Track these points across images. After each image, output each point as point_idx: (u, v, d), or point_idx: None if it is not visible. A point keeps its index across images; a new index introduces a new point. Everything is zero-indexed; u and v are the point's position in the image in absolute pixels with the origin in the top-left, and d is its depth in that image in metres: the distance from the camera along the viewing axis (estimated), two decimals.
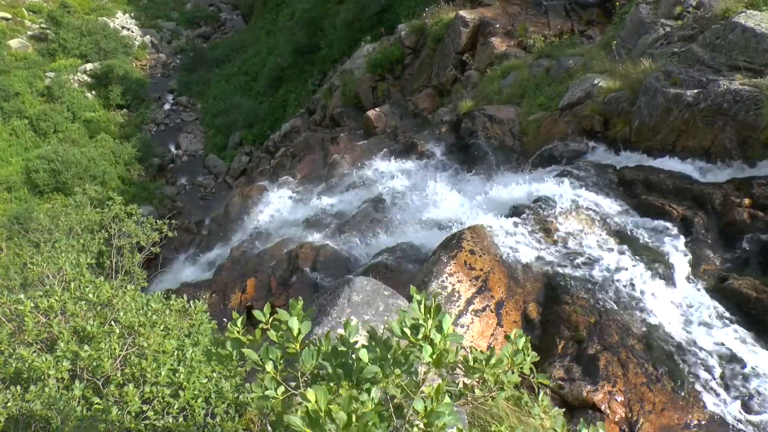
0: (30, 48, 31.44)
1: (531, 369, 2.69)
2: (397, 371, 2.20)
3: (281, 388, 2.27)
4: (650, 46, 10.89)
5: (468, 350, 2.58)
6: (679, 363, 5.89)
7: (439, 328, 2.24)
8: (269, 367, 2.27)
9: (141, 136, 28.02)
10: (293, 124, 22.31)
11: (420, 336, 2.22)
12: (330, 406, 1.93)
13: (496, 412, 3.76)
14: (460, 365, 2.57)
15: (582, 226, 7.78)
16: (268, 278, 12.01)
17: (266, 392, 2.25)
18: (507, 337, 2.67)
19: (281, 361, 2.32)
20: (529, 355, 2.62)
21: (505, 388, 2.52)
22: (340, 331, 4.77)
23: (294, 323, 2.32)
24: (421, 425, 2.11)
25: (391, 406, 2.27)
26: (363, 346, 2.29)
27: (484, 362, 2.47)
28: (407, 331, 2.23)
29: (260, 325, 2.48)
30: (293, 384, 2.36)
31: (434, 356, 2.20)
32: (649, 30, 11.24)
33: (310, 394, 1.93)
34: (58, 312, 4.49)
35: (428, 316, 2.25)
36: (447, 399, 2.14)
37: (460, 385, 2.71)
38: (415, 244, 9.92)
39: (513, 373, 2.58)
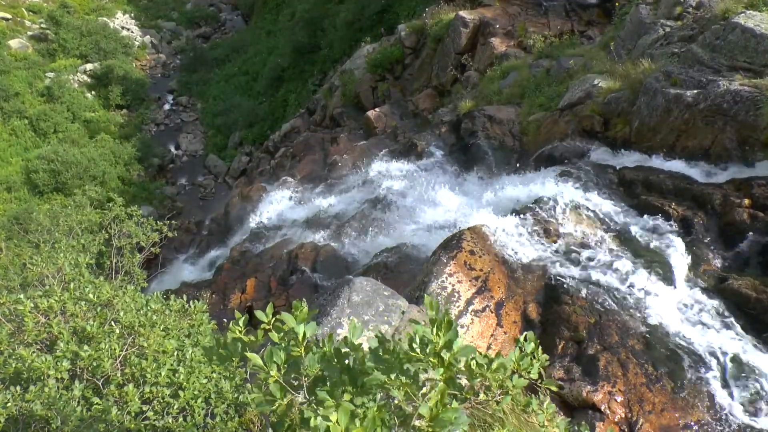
0: (30, 48, 31.44)
1: (540, 374, 2.66)
2: (404, 379, 2.19)
3: (287, 396, 2.26)
4: (650, 46, 10.89)
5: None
6: (679, 363, 5.89)
7: (449, 347, 2.22)
8: (273, 371, 2.26)
9: (141, 136, 28.01)
10: (293, 124, 22.31)
11: (428, 351, 2.21)
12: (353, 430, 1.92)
13: (497, 413, 3.75)
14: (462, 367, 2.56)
15: (582, 226, 7.78)
16: (268, 278, 12.01)
17: (269, 398, 2.23)
18: (516, 341, 2.65)
19: (284, 365, 2.31)
20: (539, 360, 2.60)
21: (510, 392, 2.50)
22: (340, 330, 4.77)
23: (300, 329, 2.31)
24: (425, 428, 2.10)
25: (393, 408, 2.27)
26: (370, 350, 2.27)
27: (485, 366, 2.45)
28: (416, 347, 2.21)
29: (262, 326, 2.47)
30: (294, 384, 2.35)
31: (444, 375, 2.19)
32: (649, 30, 11.24)
33: (333, 416, 1.93)
34: (57, 312, 4.49)
35: (439, 334, 2.23)
36: (454, 403, 2.13)
37: (464, 382, 2.70)
38: (415, 244, 9.92)
39: (520, 377, 2.55)
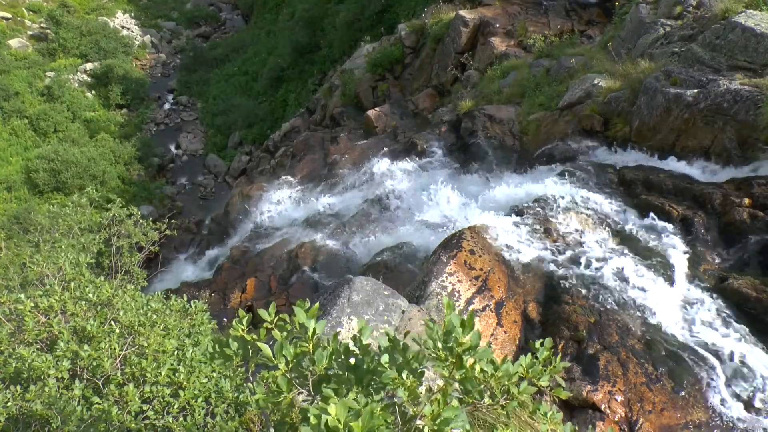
0: (30, 47, 31.43)
1: (554, 379, 2.64)
2: (413, 379, 2.18)
3: (293, 389, 2.25)
4: (650, 45, 10.89)
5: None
6: (679, 363, 5.89)
7: (473, 349, 2.21)
8: (282, 365, 2.25)
9: (141, 135, 28.00)
10: (293, 123, 22.31)
11: (451, 352, 2.19)
12: (351, 424, 1.91)
13: (500, 417, 3.75)
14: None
15: (582, 225, 7.77)
16: (268, 278, 12.02)
17: (276, 392, 2.23)
18: (528, 345, 2.65)
19: (293, 360, 2.30)
20: (553, 368, 2.57)
21: (515, 398, 2.48)
22: (341, 330, 4.77)
23: (311, 323, 2.31)
24: (428, 429, 2.09)
25: (397, 408, 2.26)
26: (381, 348, 2.26)
27: (490, 374, 2.42)
28: (439, 347, 2.19)
29: (265, 324, 2.47)
30: (298, 381, 2.35)
31: (462, 377, 2.18)
32: (649, 30, 11.24)
33: (332, 408, 1.92)
34: (58, 311, 4.48)
35: (465, 336, 2.21)
36: (455, 402, 2.12)
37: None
38: (415, 244, 9.92)
39: (529, 383, 2.52)
